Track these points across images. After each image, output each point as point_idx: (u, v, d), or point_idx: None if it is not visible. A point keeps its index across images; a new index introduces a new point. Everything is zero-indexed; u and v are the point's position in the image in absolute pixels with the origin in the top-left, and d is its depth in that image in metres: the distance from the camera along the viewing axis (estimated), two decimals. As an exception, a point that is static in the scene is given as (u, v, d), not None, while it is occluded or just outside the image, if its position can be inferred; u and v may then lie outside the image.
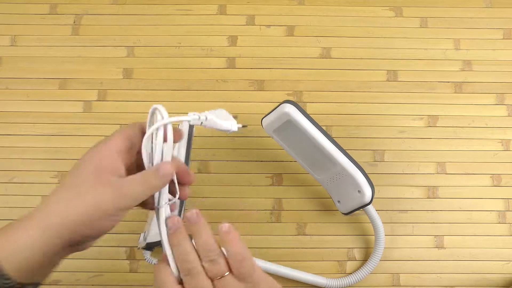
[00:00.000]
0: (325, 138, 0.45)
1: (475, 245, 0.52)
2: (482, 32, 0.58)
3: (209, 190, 0.53)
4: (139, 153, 0.33)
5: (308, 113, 0.46)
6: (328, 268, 0.52)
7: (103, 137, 0.54)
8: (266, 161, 0.54)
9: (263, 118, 0.47)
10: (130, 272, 0.51)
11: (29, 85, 0.56)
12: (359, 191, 0.45)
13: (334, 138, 0.45)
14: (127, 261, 0.52)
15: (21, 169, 0.54)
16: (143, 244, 0.46)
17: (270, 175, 0.54)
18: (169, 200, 0.33)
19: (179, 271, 0.31)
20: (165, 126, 0.31)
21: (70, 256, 0.32)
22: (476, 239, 0.53)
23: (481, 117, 0.56)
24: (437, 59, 0.57)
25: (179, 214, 0.35)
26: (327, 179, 0.48)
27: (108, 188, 0.30)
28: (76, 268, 0.51)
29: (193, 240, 0.32)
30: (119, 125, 0.55)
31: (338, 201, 0.49)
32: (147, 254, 0.48)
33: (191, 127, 0.47)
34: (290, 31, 0.58)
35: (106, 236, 0.33)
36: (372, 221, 0.49)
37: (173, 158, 0.33)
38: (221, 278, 0.31)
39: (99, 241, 0.33)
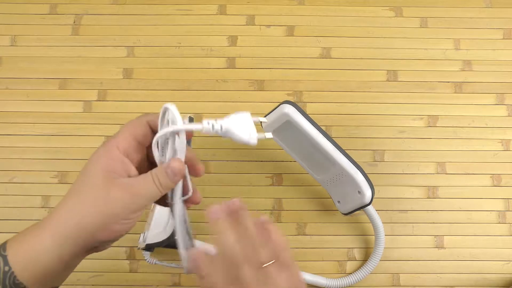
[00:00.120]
0: (325, 138, 0.45)
1: (475, 245, 0.52)
2: (482, 32, 0.58)
3: (209, 190, 0.53)
4: (149, 147, 0.32)
5: (308, 113, 0.46)
6: (328, 268, 0.52)
7: (103, 137, 0.54)
8: (266, 161, 0.54)
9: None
10: (130, 272, 0.51)
11: (29, 85, 0.56)
12: (359, 192, 0.45)
13: (334, 138, 0.45)
14: (127, 261, 0.52)
15: (21, 169, 0.54)
16: (142, 245, 0.46)
17: (270, 175, 0.54)
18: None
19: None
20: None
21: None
22: (476, 239, 0.53)
23: (481, 117, 0.56)
24: (437, 59, 0.57)
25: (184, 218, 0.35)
26: (327, 180, 0.48)
27: (120, 191, 0.30)
28: (76, 268, 0.51)
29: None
30: (119, 125, 0.55)
31: (338, 202, 0.49)
32: (147, 254, 0.48)
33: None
34: (290, 31, 0.58)
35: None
36: (372, 221, 0.49)
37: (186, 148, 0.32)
38: (265, 266, 0.30)
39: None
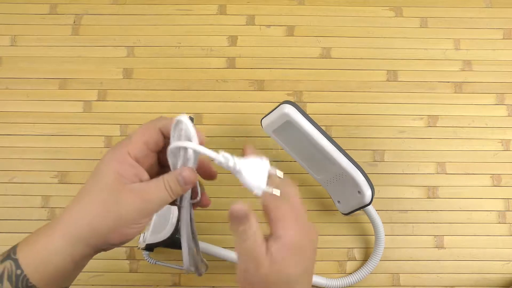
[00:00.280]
0: (325, 138, 0.45)
1: (475, 245, 0.52)
2: (482, 32, 0.58)
3: (209, 190, 0.53)
4: (160, 152, 0.33)
5: (308, 113, 0.46)
6: (328, 268, 0.52)
7: (103, 137, 0.54)
8: (266, 161, 0.54)
9: (262, 118, 0.47)
10: (130, 272, 0.51)
11: (29, 85, 0.56)
12: (359, 192, 0.45)
13: (334, 138, 0.45)
14: (127, 261, 0.52)
15: (21, 169, 0.54)
16: (142, 245, 0.46)
17: (270, 175, 0.54)
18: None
19: None
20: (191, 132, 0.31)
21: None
22: (476, 239, 0.53)
23: (481, 117, 0.56)
24: (437, 59, 0.57)
25: (190, 217, 0.36)
26: (327, 180, 0.48)
27: (132, 196, 0.30)
28: (76, 268, 0.51)
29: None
30: (119, 125, 0.55)
31: (338, 202, 0.49)
32: (147, 254, 0.48)
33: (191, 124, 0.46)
34: (290, 31, 0.58)
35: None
36: (372, 221, 0.49)
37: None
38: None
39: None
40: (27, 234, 0.52)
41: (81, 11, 0.58)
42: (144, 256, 0.48)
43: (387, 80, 0.57)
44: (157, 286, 0.51)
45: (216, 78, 0.56)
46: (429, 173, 0.54)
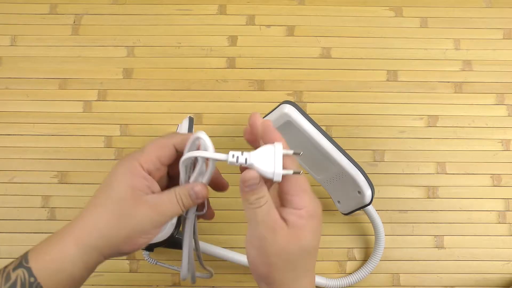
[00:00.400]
0: (325, 138, 0.45)
1: (475, 245, 0.52)
2: (482, 32, 0.58)
3: (209, 190, 0.53)
4: (170, 165, 0.34)
5: (308, 113, 0.46)
6: (328, 268, 0.52)
7: (103, 137, 0.54)
8: (266, 161, 0.54)
9: (262, 118, 0.47)
10: (130, 272, 0.51)
11: (29, 85, 0.56)
12: (359, 192, 0.45)
13: (334, 138, 0.45)
14: (127, 261, 0.52)
15: (21, 169, 0.54)
16: (143, 245, 0.46)
17: (270, 175, 0.54)
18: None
19: None
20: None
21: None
22: (476, 239, 0.53)
23: (481, 117, 0.56)
24: (437, 59, 0.57)
25: (194, 229, 0.37)
26: (327, 180, 0.48)
27: (146, 209, 0.31)
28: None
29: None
30: (119, 125, 0.55)
31: (338, 202, 0.49)
32: (147, 254, 0.48)
33: (191, 123, 0.46)
34: (290, 31, 0.58)
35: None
36: (372, 221, 0.49)
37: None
38: None
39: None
40: (27, 234, 0.52)
41: (81, 11, 0.58)
42: (144, 256, 0.48)
43: (387, 80, 0.57)
44: (157, 286, 0.51)
45: (216, 78, 0.56)
46: (429, 173, 0.54)
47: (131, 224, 0.31)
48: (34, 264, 0.30)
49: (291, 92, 0.56)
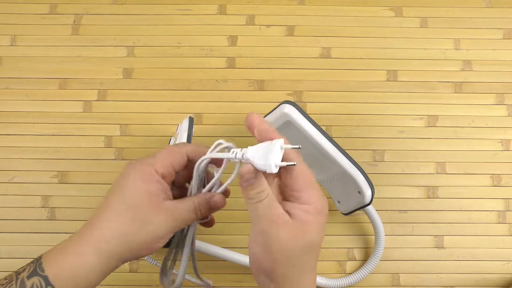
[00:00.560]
0: (325, 138, 0.45)
1: (475, 245, 0.52)
2: (482, 32, 0.58)
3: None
4: (178, 173, 0.35)
5: (308, 113, 0.46)
6: (328, 268, 0.52)
7: (103, 137, 0.54)
8: (266, 161, 0.54)
9: (262, 118, 0.47)
10: (130, 272, 0.51)
11: (29, 85, 0.56)
12: (359, 192, 0.45)
13: (334, 138, 0.45)
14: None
15: (21, 169, 0.54)
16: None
17: (270, 175, 0.54)
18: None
19: None
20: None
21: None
22: (476, 239, 0.53)
23: (481, 117, 0.56)
24: (437, 59, 0.57)
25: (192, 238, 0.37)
26: (327, 180, 0.48)
27: (165, 215, 0.32)
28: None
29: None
30: (119, 125, 0.55)
31: (338, 201, 0.49)
32: (147, 254, 0.48)
33: (191, 123, 0.46)
34: (290, 31, 0.58)
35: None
36: (372, 221, 0.49)
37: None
38: None
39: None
40: (27, 234, 0.52)
41: (81, 11, 0.58)
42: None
43: (387, 80, 0.57)
44: (157, 286, 0.51)
45: (216, 78, 0.56)
46: (429, 173, 0.54)
47: (148, 229, 0.31)
48: (51, 272, 0.29)
49: (291, 92, 0.56)
